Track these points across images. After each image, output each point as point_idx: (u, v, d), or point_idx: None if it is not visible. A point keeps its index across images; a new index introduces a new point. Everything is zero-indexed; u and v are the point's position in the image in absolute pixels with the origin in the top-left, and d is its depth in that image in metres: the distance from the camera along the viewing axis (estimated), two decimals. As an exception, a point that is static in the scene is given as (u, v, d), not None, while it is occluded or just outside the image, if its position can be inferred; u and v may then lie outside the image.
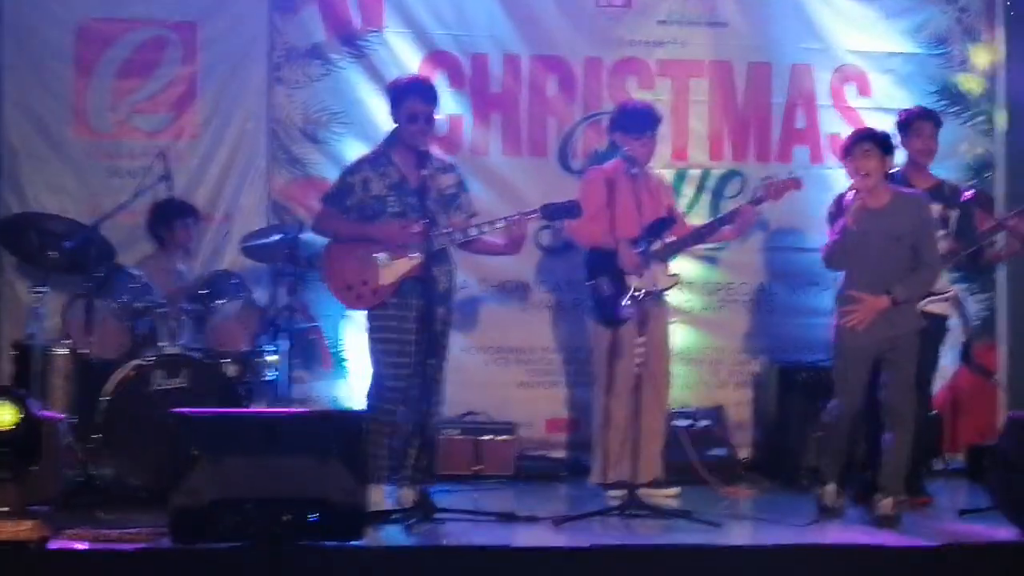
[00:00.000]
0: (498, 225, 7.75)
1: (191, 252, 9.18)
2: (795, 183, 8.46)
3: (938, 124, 8.50)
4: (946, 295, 8.37)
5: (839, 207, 7.93)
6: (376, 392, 7.74)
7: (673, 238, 8.39)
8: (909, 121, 8.42)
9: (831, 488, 7.85)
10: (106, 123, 9.44)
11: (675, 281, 8.49)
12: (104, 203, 8.92)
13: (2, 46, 9.33)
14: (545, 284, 9.69)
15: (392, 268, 7.64)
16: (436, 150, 8.28)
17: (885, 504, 7.62)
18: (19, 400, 7.11)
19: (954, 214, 8.35)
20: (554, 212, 7.76)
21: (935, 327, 8.32)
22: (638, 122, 8.47)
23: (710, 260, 9.67)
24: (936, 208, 8.24)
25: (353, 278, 7.71)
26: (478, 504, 8.02)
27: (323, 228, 7.97)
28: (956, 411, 9.81)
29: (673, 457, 8.56)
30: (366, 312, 7.81)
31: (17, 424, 6.97)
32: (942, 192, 8.35)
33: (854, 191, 7.70)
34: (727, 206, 9.40)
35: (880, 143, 7.75)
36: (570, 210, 7.74)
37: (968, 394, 9.89)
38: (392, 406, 7.69)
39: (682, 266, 8.72)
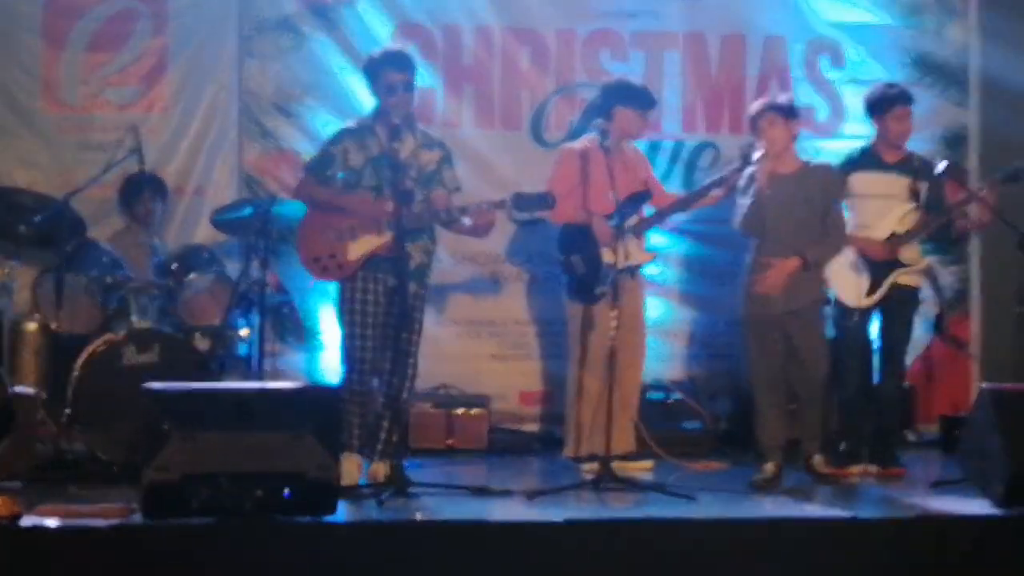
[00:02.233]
0: (465, 219, 7.72)
1: (159, 227, 9.13)
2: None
3: (913, 103, 8.48)
4: (918, 267, 8.38)
5: (750, 176, 7.94)
6: (347, 365, 7.75)
7: (650, 211, 8.38)
8: (885, 104, 8.40)
9: (769, 466, 7.89)
10: (76, 96, 9.39)
11: (651, 257, 8.50)
12: (75, 177, 8.86)
13: (-30, 20, 9.28)
14: (518, 256, 9.68)
15: (360, 244, 7.63)
16: (423, 126, 8.22)
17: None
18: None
19: (923, 186, 8.34)
20: (525, 204, 7.71)
21: (908, 298, 8.37)
22: (646, 98, 8.47)
23: (685, 232, 9.65)
24: (905, 181, 8.28)
25: (322, 251, 7.72)
26: (451, 478, 8.02)
27: (300, 195, 7.99)
28: (929, 383, 9.85)
29: (647, 430, 8.56)
30: (334, 285, 7.80)
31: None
32: (911, 164, 8.36)
33: (761, 157, 7.77)
34: (701, 178, 9.41)
35: (783, 111, 7.87)
36: (543, 201, 7.70)
37: (941, 366, 9.93)
38: (363, 378, 7.71)
39: (656, 239, 8.69)
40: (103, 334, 8.07)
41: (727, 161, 8.85)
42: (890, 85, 8.65)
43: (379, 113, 7.85)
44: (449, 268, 9.52)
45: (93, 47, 9.37)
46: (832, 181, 8.05)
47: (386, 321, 7.69)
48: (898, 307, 8.32)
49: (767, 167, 7.76)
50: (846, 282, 8.19)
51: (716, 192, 8.44)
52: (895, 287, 8.25)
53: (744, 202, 7.92)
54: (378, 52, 8.05)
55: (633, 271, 8.27)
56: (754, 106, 8.09)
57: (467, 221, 7.76)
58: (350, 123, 8.05)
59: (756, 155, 7.81)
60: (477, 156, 9.55)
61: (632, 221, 8.20)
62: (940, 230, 8.44)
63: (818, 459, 7.91)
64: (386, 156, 7.70)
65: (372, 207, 7.63)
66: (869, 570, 6.57)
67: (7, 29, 9.30)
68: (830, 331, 8.35)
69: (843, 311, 8.26)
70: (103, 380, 7.84)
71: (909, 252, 8.29)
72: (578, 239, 8.23)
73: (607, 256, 8.06)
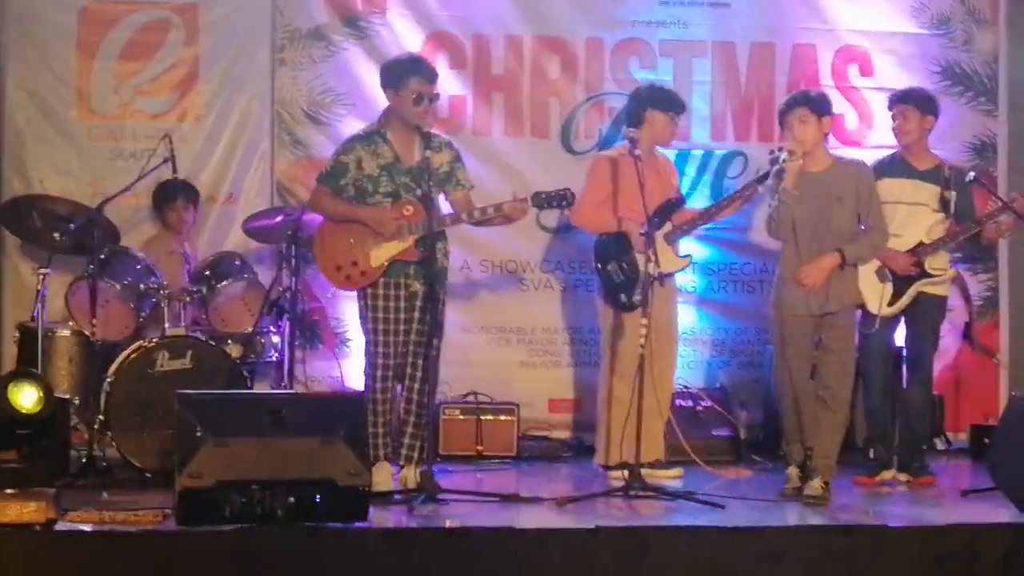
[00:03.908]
0: (489, 213, 7.73)
1: (190, 234, 9.20)
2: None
3: (912, 104, 8.37)
4: (945, 277, 8.36)
5: (777, 175, 7.90)
6: (369, 371, 7.75)
7: (682, 219, 8.38)
8: (889, 105, 8.43)
9: (793, 471, 7.89)
10: (109, 105, 9.45)
11: (685, 263, 8.48)
12: (108, 185, 8.91)
13: (5, 28, 9.35)
14: (548, 264, 9.71)
15: (383, 249, 7.64)
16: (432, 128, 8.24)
17: (812, 485, 7.67)
18: (42, 383, 7.20)
19: (952, 195, 8.31)
20: (545, 201, 7.71)
21: (934, 307, 8.34)
22: (676, 102, 8.47)
23: (714, 240, 9.66)
24: (934, 189, 8.25)
25: (343, 259, 7.70)
26: (481, 485, 8.04)
27: (315, 207, 7.97)
28: (958, 391, 9.84)
29: (675, 437, 8.58)
30: (356, 292, 7.82)
31: (41, 407, 7.05)
32: (941, 173, 8.32)
33: (791, 156, 7.71)
34: (730, 187, 9.44)
35: (814, 107, 7.81)
36: (562, 198, 7.69)
37: (970, 374, 9.92)
38: (386, 384, 7.70)
39: (686, 246, 8.71)
40: (136, 341, 8.13)
41: (756, 170, 8.84)
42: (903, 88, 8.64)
43: (390, 117, 7.81)
44: (479, 275, 9.56)
45: (126, 56, 9.43)
46: (865, 179, 7.95)
47: (408, 327, 7.70)
48: (924, 316, 8.29)
49: (796, 166, 7.70)
50: (869, 289, 8.16)
51: (736, 203, 8.44)
52: (922, 296, 8.22)
53: (773, 203, 7.91)
54: (403, 58, 8.02)
55: (665, 279, 8.25)
56: (785, 100, 8.05)
57: (499, 215, 7.75)
58: (358, 130, 8.02)
59: (784, 154, 7.76)
60: (506, 164, 9.59)
61: (665, 229, 8.21)
62: (970, 239, 8.42)
63: (816, 483, 7.68)
64: (401, 161, 7.70)
65: (389, 220, 7.63)
66: (899, 578, 6.59)
67: (41, 38, 9.37)
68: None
69: (866, 318, 8.22)
70: (136, 387, 7.89)
71: (936, 261, 8.26)
72: (613, 247, 8.23)
73: (641, 264, 8.05)
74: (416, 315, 7.65)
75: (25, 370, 7.62)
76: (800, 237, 7.80)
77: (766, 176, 8.15)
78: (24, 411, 7.13)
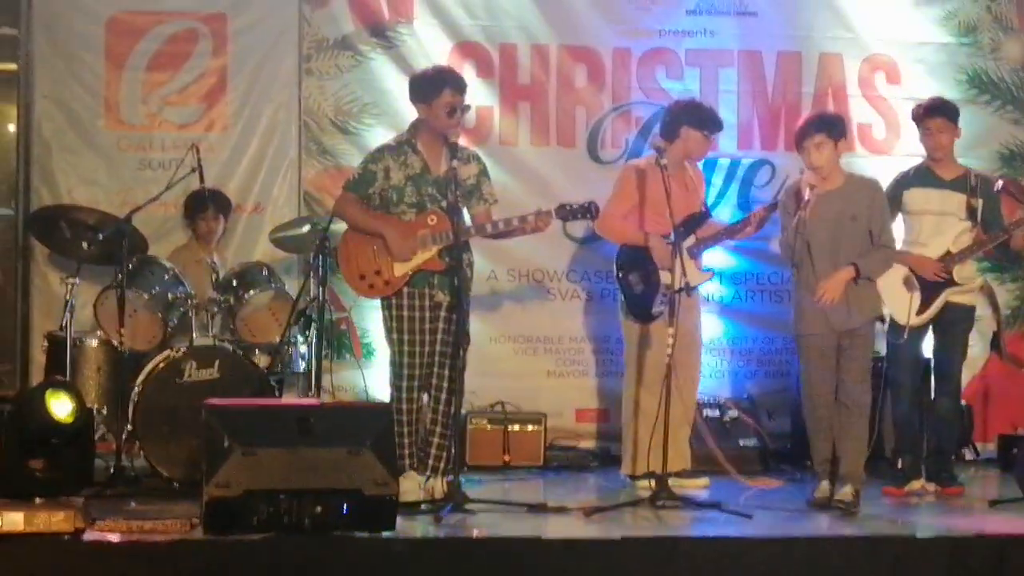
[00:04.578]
0: (513, 224, 7.73)
1: (220, 244, 9.23)
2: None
3: (948, 116, 8.35)
4: (972, 285, 8.33)
5: (796, 199, 7.87)
6: (395, 382, 7.75)
7: (706, 233, 8.36)
8: (917, 118, 8.39)
9: (824, 484, 7.87)
10: (137, 115, 9.49)
11: (708, 277, 8.46)
12: (135, 195, 8.95)
13: (33, 39, 9.39)
14: (575, 273, 9.71)
15: (407, 260, 7.65)
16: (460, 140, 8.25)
17: (844, 492, 7.70)
18: (75, 392, 7.25)
19: (980, 203, 8.28)
20: (569, 213, 7.70)
21: (962, 317, 8.32)
22: (714, 121, 8.47)
23: (740, 250, 9.64)
24: (961, 198, 8.23)
25: (366, 267, 7.70)
26: (508, 495, 8.04)
27: (340, 212, 7.96)
28: (987, 401, 9.79)
29: (701, 447, 8.57)
30: (380, 301, 7.82)
31: (74, 417, 7.08)
32: (967, 182, 8.30)
33: (807, 185, 7.72)
34: (756, 195, 9.44)
35: (831, 132, 7.84)
36: (586, 211, 7.68)
37: (999, 384, 9.87)
38: (412, 395, 7.70)
39: (712, 256, 8.69)
40: (164, 350, 8.15)
41: (785, 178, 8.82)
42: (929, 99, 8.62)
43: (420, 128, 7.82)
44: (506, 285, 9.56)
45: (154, 67, 9.47)
46: (878, 196, 7.99)
47: (433, 338, 7.70)
48: (952, 325, 8.27)
49: (815, 197, 7.68)
50: (897, 299, 8.14)
51: (748, 229, 8.43)
52: (949, 305, 8.19)
53: (786, 222, 7.91)
54: (432, 70, 8.03)
55: (689, 290, 8.23)
56: (801, 125, 8.03)
57: (524, 227, 7.74)
58: (389, 140, 8.02)
59: (807, 191, 7.71)
60: (533, 173, 9.59)
61: (689, 242, 8.19)
62: (999, 248, 8.39)
63: (848, 490, 7.73)
64: (429, 171, 7.70)
65: (405, 241, 7.61)
66: (927, 589, 6.58)
67: (69, 49, 9.41)
68: (880, 347, 8.34)
69: (893, 328, 8.21)
70: (164, 396, 7.91)
71: (964, 270, 8.23)
72: (635, 258, 8.23)
73: (664, 276, 8.05)
74: (441, 325, 7.67)
75: (60, 380, 7.66)
76: (816, 257, 7.81)
77: (757, 215, 8.28)
78: (58, 420, 7.17)
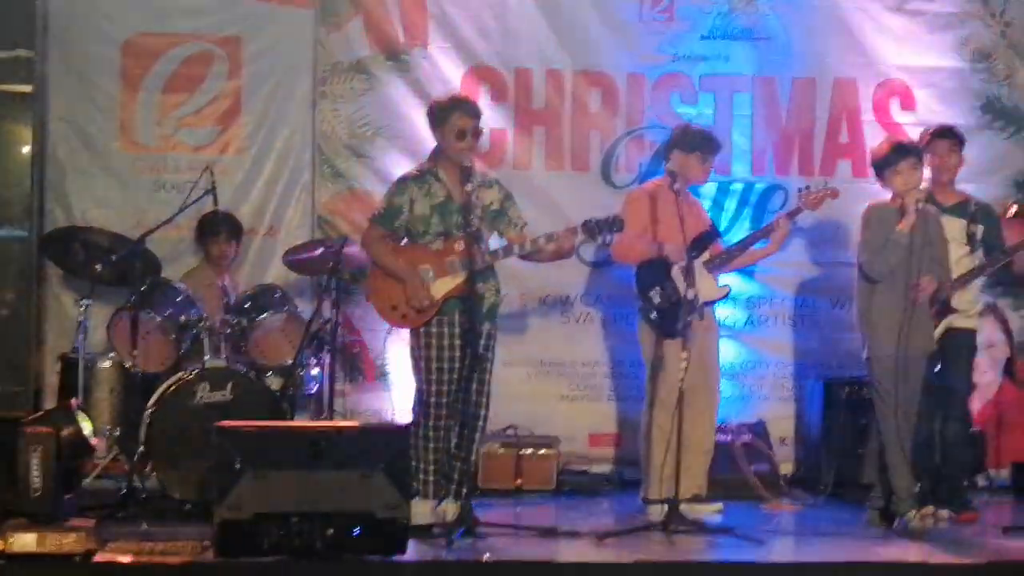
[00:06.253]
0: (540, 244, 7.72)
1: (232, 268, 9.23)
2: (832, 192, 8.48)
3: (956, 140, 8.43)
4: (972, 311, 8.32)
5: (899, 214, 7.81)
6: (422, 409, 7.72)
7: (716, 251, 8.37)
8: (926, 140, 8.40)
9: (914, 513, 7.80)
10: (152, 137, 9.52)
11: (724, 292, 8.43)
12: (149, 217, 8.99)
13: (48, 61, 9.43)
14: (588, 297, 9.71)
15: (436, 287, 7.63)
16: (478, 165, 8.24)
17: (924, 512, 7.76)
18: (88, 415, 7.34)
19: (979, 229, 8.31)
20: (595, 227, 7.65)
21: (964, 342, 8.30)
22: (708, 144, 8.45)
23: (752, 274, 9.64)
24: (960, 223, 8.24)
25: (398, 298, 7.66)
26: (519, 519, 8.03)
27: (367, 248, 7.92)
28: (1000, 427, 9.74)
29: (715, 472, 8.54)
30: (409, 328, 7.82)
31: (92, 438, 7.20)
32: (967, 208, 8.33)
33: (911, 202, 7.69)
34: (770, 220, 9.43)
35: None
36: (612, 224, 7.67)
37: (1012, 410, 9.81)
38: (439, 423, 7.68)
39: (724, 280, 8.69)
40: (176, 372, 8.14)
41: (796, 204, 8.81)
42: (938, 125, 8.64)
43: (440, 156, 7.83)
44: (519, 309, 9.56)
45: (169, 89, 9.50)
46: (941, 223, 7.99)
47: (461, 364, 7.66)
48: (956, 350, 8.23)
49: (919, 210, 7.68)
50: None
51: (765, 245, 8.45)
52: (951, 331, 8.17)
53: (873, 240, 7.83)
54: (445, 97, 8.05)
55: (703, 310, 8.21)
56: (889, 149, 7.92)
57: (550, 245, 7.72)
58: (411, 170, 8.00)
59: (919, 195, 7.71)
60: (547, 197, 9.58)
61: (703, 258, 8.19)
62: (1002, 271, 8.38)
63: (914, 514, 7.73)
64: (452, 199, 7.70)
65: (423, 292, 7.59)
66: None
67: (84, 71, 9.44)
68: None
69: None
70: (176, 418, 7.91)
71: (964, 296, 8.22)
72: (655, 273, 8.21)
73: (682, 289, 8.01)
74: (469, 351, 7.64)
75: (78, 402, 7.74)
76: (898, 276, 7.74)
77: (798, 211, 8.20)
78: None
